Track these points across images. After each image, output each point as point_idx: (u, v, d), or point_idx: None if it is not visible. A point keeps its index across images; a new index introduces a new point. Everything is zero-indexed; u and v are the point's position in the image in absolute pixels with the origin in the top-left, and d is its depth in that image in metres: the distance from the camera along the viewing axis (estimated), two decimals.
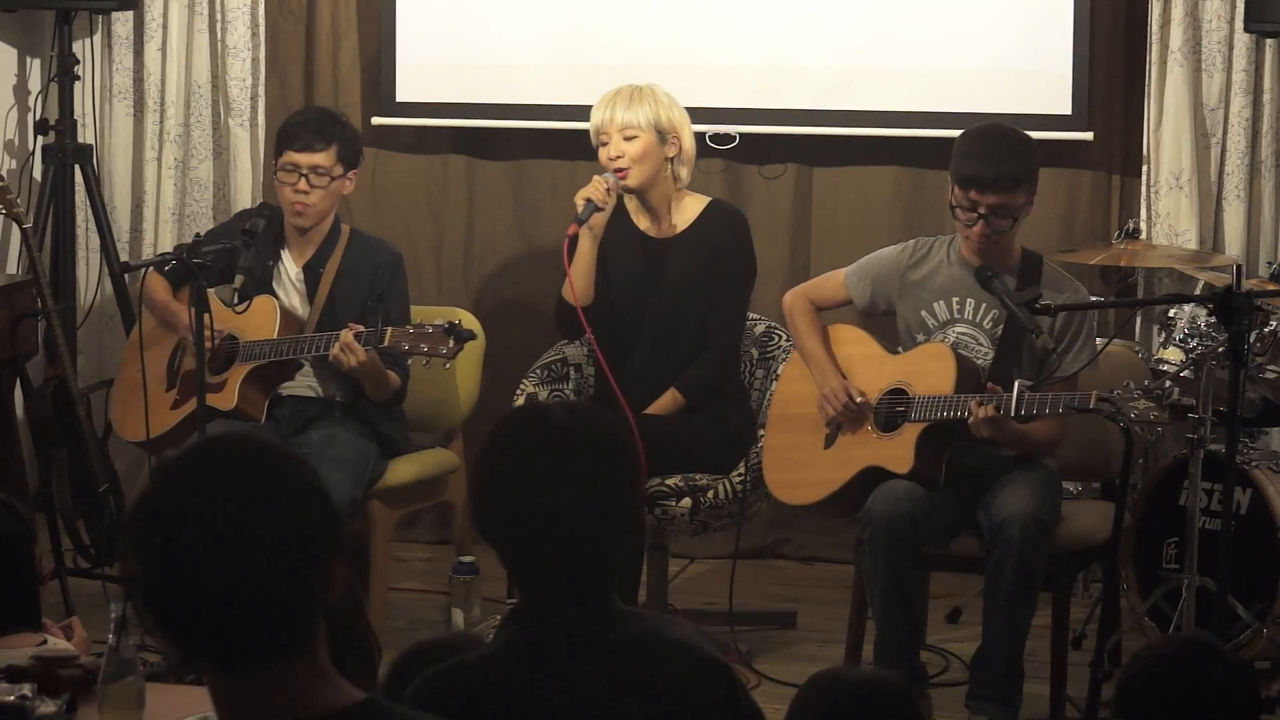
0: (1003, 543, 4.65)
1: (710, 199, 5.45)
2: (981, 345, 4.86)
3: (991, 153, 4.77)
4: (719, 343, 5.33)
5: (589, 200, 5.22)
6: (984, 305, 4.87)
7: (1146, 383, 4.46)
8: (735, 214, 5.44)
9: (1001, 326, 4.84)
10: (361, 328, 5.08)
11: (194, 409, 4.95)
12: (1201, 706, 2.77)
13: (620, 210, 5.37)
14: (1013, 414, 4.61)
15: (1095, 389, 4.56)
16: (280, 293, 5.35)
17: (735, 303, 5.37)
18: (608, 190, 5.23)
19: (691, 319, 5.32)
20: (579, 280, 5.28)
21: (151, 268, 5.39)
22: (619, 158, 5.24)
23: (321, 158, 5.29)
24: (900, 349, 4.98)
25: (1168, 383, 4.49)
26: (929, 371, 4.82)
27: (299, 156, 5.29)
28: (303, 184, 5.29)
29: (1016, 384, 4.62)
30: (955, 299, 4.90)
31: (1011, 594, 4.66)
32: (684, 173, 5.34)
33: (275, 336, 5.21)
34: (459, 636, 3.04)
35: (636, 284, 5.35)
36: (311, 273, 5.36)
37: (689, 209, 5.37)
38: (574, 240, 5.25)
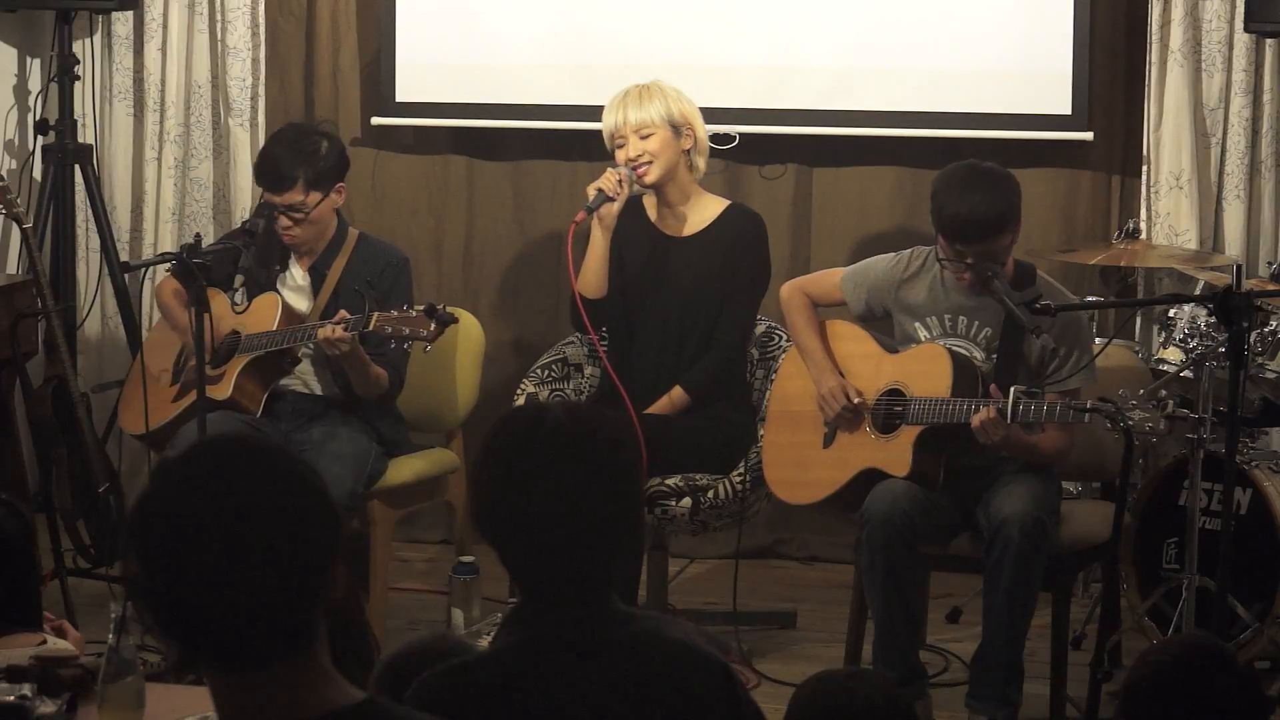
0: (1002, 542, 4.65)
1: (730, 202, 5.46)
2: (977, 358, 4.85)
3: (971, 204, 4.69)
4: (725, 343, 5.33)
5: (600, 190, 5.23)
6: (977, 322, 4.85)
7: (1142, 391, 4.45)
8: (754, 218, 5.43)
9: (997, 341, 4.83)
10: (348, 315, 5.08)
11: (190, 401, 4.96)
12: (1207, 715, 2.77)
13: (638, 207, 5.38)
14: (1008, 419, 4.60)
15: (1091, 399, 4.53)
16: (287, 295, 5.36)
17: (745, 305, 5.37)
18: (620, 182, 5.23)
19: (702, 319, 5.33)
20: (592, 273, 5.30)
21: (166, 270, 5.40)
22: (639, 156, 5.25)
23: (292, 194, 5.25)
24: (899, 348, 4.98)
25: (1163, 392, 4.48)
26: (926, 372, 4.82)
27: (273, 197, 5.27)
28: (284, 220, 5.28)
29: (1013, 390, 4.60)
30: (948, 315, 4.88)
31: (1011, 594, 4.66)
32: (701, 163, 5.35)
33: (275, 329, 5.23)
34: (452, 639, 3.03)
35: (649, 281, 5.35)
36: (317, 274, 5.37)
37: (708, 210, 5.38)
38: (580, 228, 5.25)
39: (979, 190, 4.71)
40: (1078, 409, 4.53)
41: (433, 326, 4.94)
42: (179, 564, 2.04)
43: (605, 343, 5.38)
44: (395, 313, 5.00)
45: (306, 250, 5.36)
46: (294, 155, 5.25)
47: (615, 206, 5.25)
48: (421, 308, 4.97)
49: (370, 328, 5.02)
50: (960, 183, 4.74)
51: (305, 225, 5.29)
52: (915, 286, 4.93)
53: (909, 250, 5.02)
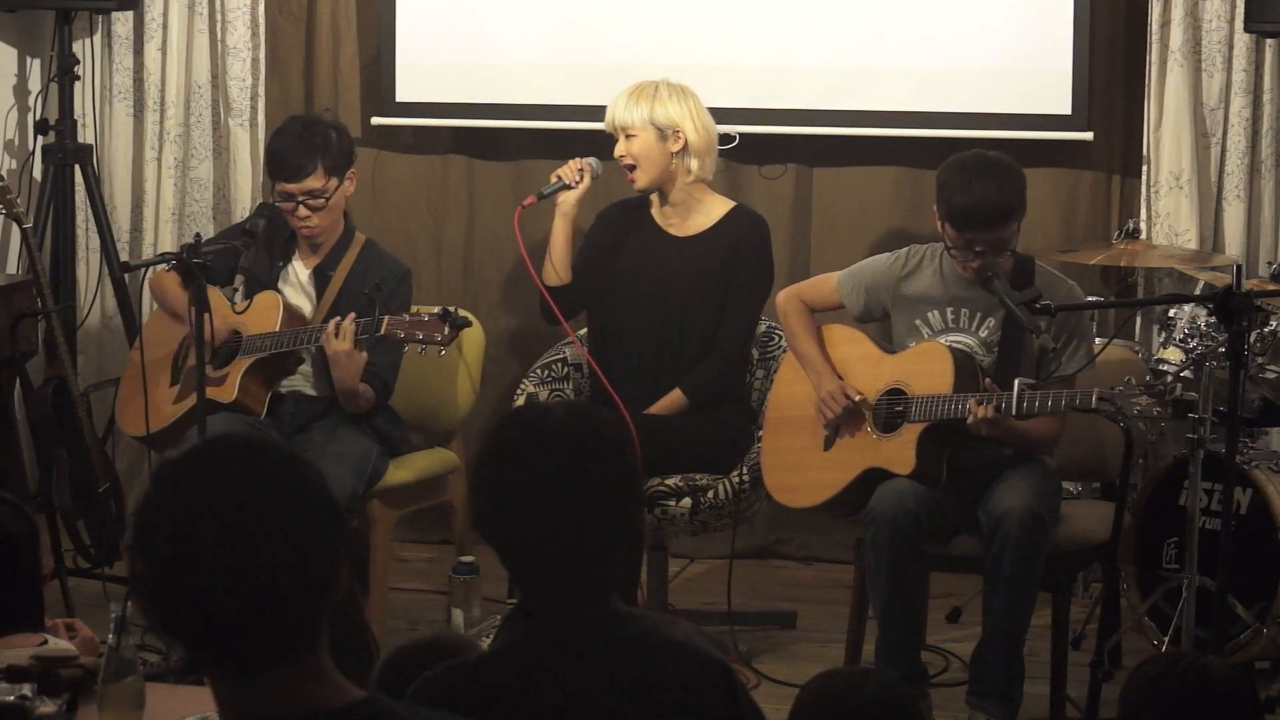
0: (1001, 537, 4.65)
1: (736, 204, 5.46)
2: (978, 354, 4.85)
3: (981, 191, 4.70)
4: (727, 346, 5.33)
5: (559, 177, 5.33)
6: (979, 314, 4.86)
7: (1148, 378, 4.46)
8: (757, 220, 5.43)
9: (999, 333, 4.83)
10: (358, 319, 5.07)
11: (193, 404, 4.96)
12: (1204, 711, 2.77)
13: (643, 206, 5.41)
14: (1014, 413, 4.61)
15: (1096, 387, 4.55)
16: (288, 293, 5.35)
17: (748, 308, 5.36)
18: (580, 171, 5.32)
19: (701, 320, 5.32)
20: (554, 260, 5.39)
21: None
22: (622, 157, 5.31)
23: (312, 180, 5.25)
24: (896, 349, 4.98)
25: (1169, 378, 4.49)
26: (927, 371, 4.82)
27: (291, 186, 5.26)
28: (302, 210, 5.27)
29: (1017, 382, 4.61)
30: (950, 309, 4.89)
31: (1010, 589, 4.66)
32: (695, 165, 5.32)
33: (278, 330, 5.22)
34: (450, 637, 3.03)
35: (647, 279, 5.36)
36: (321, 275, 5.37)
37: (713, 211, 5.38)
38: (527, 212, 5.35)
39: (988, 178, 4.73)
40: (1083, 406, 4.53)
41: (446, 330, 4.94)
42: (183, 567, 2.02)
43: (585, 342, 5.40)
44: (407, 316, 5.00)
45: (319, 243, 5.35)
46: (308, 143, 5.26)
47: (573, 195, 5.35)
48: (435, 312, 4.96)
49: (382, 331, 5.01)
50: (969, 171, 4.77)
51: (324, 213, 5.29)
52: (916, 281, 4.94)
53: (905, 249, 5.04)
